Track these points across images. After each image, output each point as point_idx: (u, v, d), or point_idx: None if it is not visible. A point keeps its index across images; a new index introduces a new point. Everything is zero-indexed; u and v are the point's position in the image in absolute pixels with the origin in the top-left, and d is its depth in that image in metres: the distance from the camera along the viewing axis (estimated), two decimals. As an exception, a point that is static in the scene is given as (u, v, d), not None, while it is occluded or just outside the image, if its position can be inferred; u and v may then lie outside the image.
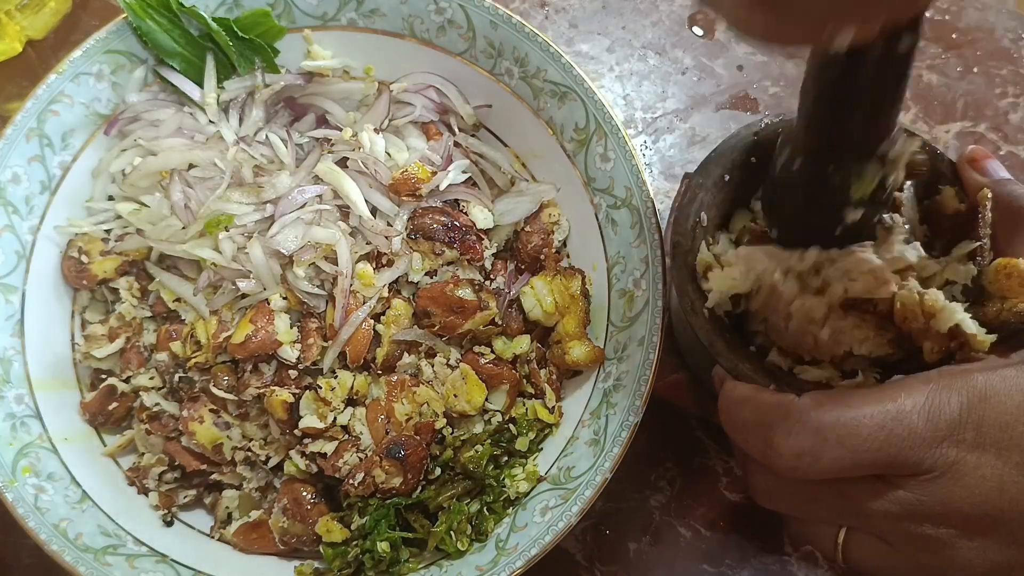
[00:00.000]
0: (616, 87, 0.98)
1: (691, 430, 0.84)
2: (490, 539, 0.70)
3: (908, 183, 0.63)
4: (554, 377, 0.76)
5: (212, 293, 0.73)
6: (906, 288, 0.56)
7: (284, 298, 0.72)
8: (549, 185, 0.80)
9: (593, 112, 0.75)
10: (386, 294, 0.73)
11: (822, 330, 0.59)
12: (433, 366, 0.73)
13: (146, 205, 0.77)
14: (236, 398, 0.72)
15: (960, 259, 0.59)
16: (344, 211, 0.74)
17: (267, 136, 0.78)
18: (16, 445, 0.69)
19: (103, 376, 0.77)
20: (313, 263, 0.72)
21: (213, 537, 0.74)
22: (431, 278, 0.75)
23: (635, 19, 1.01)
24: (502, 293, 0.77)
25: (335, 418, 0.71)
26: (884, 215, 0.60)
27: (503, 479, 0.72)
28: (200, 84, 0.79)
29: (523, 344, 0.75)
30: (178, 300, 0.75)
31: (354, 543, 0.69)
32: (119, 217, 0.77)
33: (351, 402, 0.73)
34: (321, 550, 0.70)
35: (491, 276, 0.78)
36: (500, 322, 0.75)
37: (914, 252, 0.58)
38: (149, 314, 0.77)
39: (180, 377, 0.74)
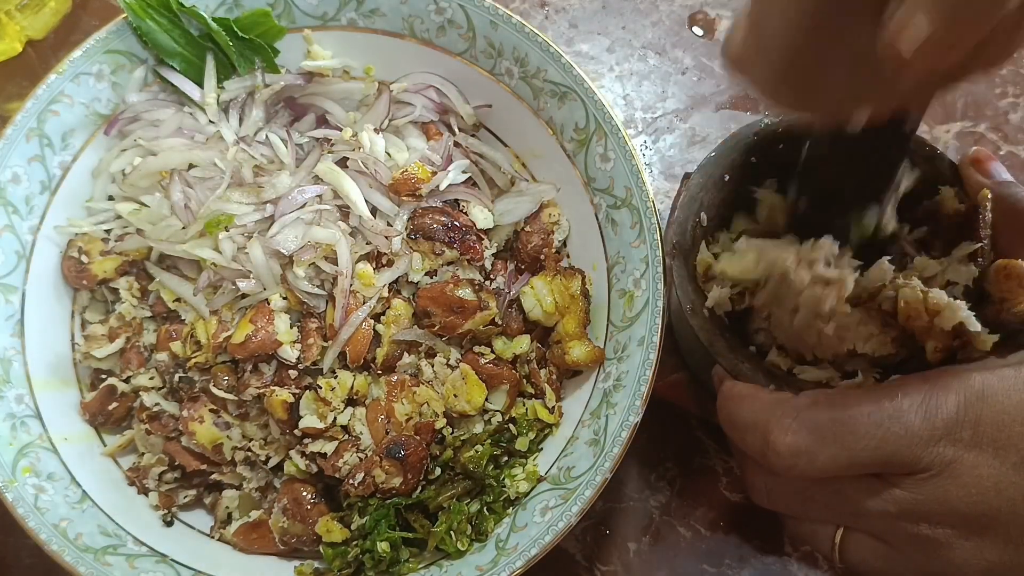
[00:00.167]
0: (616, 87, 0.98)
1: (691, 430, 0.84)
2: (490, 539, 0.70)
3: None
4: (554, 377, 0.76)
5: (212, 293, 0.73)
6: (909, 286, 0.56)
7: (284, 298, 0.72)
8: (549, 185, 0.80)
9: (593, 112, 0.75)
10: (386, 294, 0.73)
11: (828, 325, 0.58)
12: (433, 366, 0.73)
13: (146, 205, 0.77)
14: (236, 398, 0.72)
15: (961, 260, 0.59)
16: (344, 211, 0.74)
17: (267, 136, 0.78)
18: (16, 445, 0.69)
19: (103, 376, 0.77)
20: (313, 263, 0.72)
21: (213, 537, 0.74)
22: (431, 278, 0.75)
23: (635, 19, 1.01)
24: (502, 293, 0.77)
25: (335, 418, 0.71)
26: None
27: (503, 479, 0.72)
28: (200, 84, 0.79)
29: (523, 344, 0.75)
30: (178, 300, 0.75)
31: (354, 543, 0.69)
32: (119, 217, 0.77)
33: (351, 402, 0.73)
34: (321, 550, 0.70)
35: (491, 276, 0.78)
36: (500, 322, 0.75)
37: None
38: (149, 314, 0.77)
39: (180, 377, 0.74)
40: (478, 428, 0.73)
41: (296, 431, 0.70)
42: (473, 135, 0.84)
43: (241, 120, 0.80)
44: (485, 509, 0.71)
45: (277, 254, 0.71)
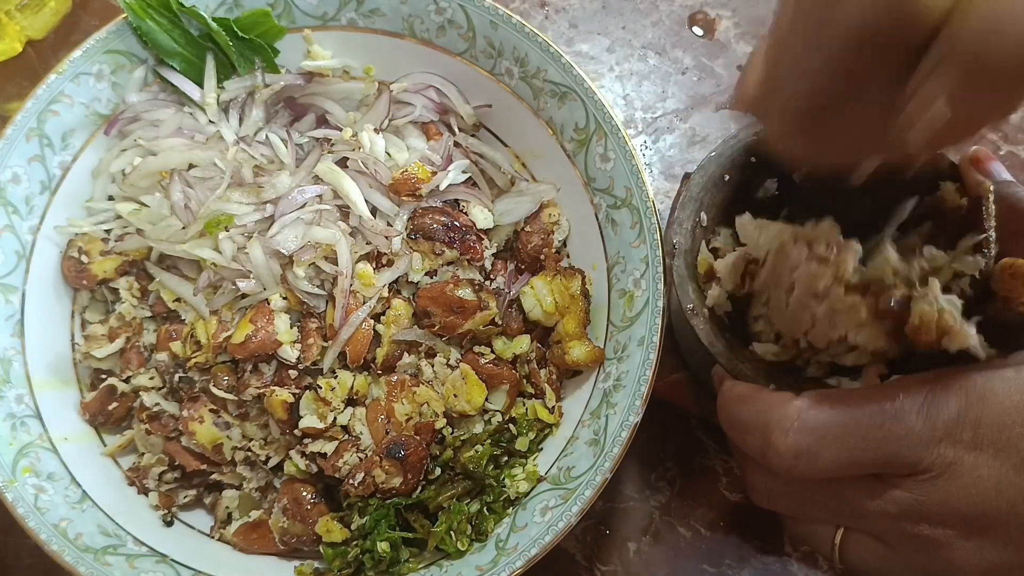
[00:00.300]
0: (616, 87, 0.98)
1: (691, 430, 0.83)
2: (490, 539, 0.70)
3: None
4: (554, 377, 0.76)
5: (212, 293, 0.73)
6: (926, 301, 0.56)
7: (284, 298, 0.72)
8: (549, 185, 0.80)
9: (593, 112, 0.75)
10: (386, 294, 0.73)
11: (820, 306, 0.58)
12: (433, 366, 0.73)
13: (146, 205, 0.77)
14: (236, 398, 0.72)
15: (967, 251, 0.59)
16: (344, 211, 0.74)
17: (267, 136, 0.78)
18: (16, 445, 0.69)
19: (103, 376, 0.77)
20: (313, 263, 0.72)
21: (213, 537, 0.74)
22: (431, 278, 0.75)
23: (635, 19, 1.01)
24: (502, 293, 0.77)
25: (335, 418, 0.71)
26: None
27: (503, 479, 0.72)
28: (200, 84, 0.79)
29: (523, 344, 0.75)
30: (178, 300, 0.75)
31: (354, 543, 0.69)
32: (119, 217, 0.77)
33: (351, 402, 0.73)
34: (321, 550, 0.70)
35: (491, 276, 0.78)
36: (500, 322, 0.75)
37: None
38: (149, 314, 0.77)
39: (180, 377, 0.74)
40: (478, 428, 0.73)
41: (296, 431, 0.70)
42: (473, 135, 0.84)
43: (241, 120, 0.80)
44: (485, 509, 0.71)
45: (277, 254, 0.71)
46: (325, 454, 0.71)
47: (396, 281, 0.74)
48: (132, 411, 0.76)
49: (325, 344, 0.72)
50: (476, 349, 0.75)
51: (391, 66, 0.82)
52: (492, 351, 0.75)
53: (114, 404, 0.75)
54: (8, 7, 0.91)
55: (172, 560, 0.70)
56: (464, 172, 0.78)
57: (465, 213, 0.77)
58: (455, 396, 0.72)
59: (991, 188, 0.58)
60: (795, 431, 0.53)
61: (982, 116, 0.38)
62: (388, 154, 0.78)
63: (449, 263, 0.75)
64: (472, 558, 0.68)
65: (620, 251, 0.74)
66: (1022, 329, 0.54)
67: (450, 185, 0.77)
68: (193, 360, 0.73)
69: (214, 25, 0.77)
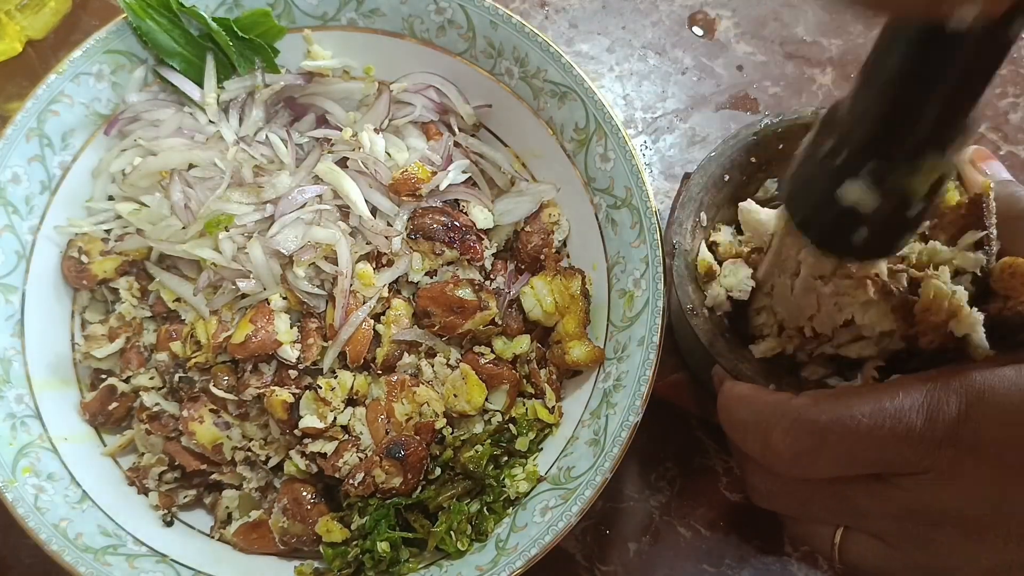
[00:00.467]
0: (616, 87, 0.98)
1: (691, 430, 0.83)
2: (490, 539, 0.70)
3: None
4: (554, 377, 0.76)
5: (212, 293, 0.73)
6: (939, 279, 0.55)
7: (284, 298, 0.72)
8: (549, 185, 0.80)
9: (593, 112, 0.75)
10: (386, 294, 0.73)
11: (827, 286, 0.57)
12: (433, 366, 0.73)
13: (146, 205, 0.77)
14: (236, 398, 0.72)
15: (968, 247, 0.59)
16: (344, 211, 0.74)
17: (267, 136, 0.78)
18: (16, 445, 0.69)
19: (103, 376, 0.77)
20: (313, 263, 0.72)
21: (213, 537, 0.74)
22: (431, 278, 0.75)
23: (635, 19, 1.01)
24: (502, 293, 0.77)
25: (335, 418, 0.71)
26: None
27: (503, 479, 0.72)
28: (200, 84, 0.79)
29: (523, 344, 0.75)
30: (178, 300, 0.75)
31: (354, 543, 0.69)
32: (119, 217, 0.77)
33: (351, 402, 0.73)
34: (321, 550, 0.70)
35: (491, 276, 0.78)
36: (500, 322, 0.75)
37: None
38: (149, 314, 0.77)
39: (180, 377, 0.74)
40: (478, 428, 0.73)
41: (296, 431, 0.70)
42: (473, 135, 0.84)
43: (241, 120, 0.80)
44: (485, 509, 0.71)
45: (277, 254, 0.71)
46: (325, 454, 0.71)
47: (396, 281, 0.74)
48: (132, 411, 0.76)
49: (325, 344, 0.72)
50: (476, 349, 0.75)
51: (391, 66, 0.82)
52: (492, 351, 0.75)
53: (114, 404, 0.75)
54: (8, 7, 0.91)
55: (172, 560, 0.70)
56: (464, 172, 0.78)
57: (465, 213, 0.77)
58: (455, 396, 0.72)
59: (991, 186, 0.58)
60: (795, 431, 0.53)
61: None
62: (388, 154, 0.78)
63: (449, 263, 0.75)
64: (472, 558, 0.68)
65: (620, 251, 0.74)
66: (1022, 328, 0.54)
67: (450, 185, 0.77)
68: (193, 360, 0.73)
69: (214, 25, 0.77)
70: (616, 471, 0.66)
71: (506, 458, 0.73)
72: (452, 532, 0.69)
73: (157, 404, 0.74)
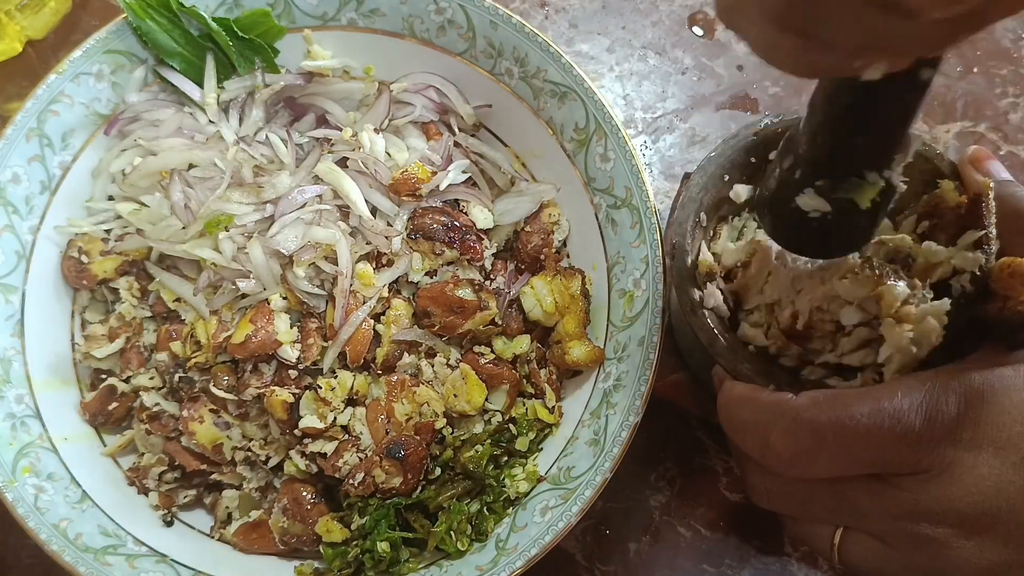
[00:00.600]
0: (616, 87, 0.98)
1: (691, 430, 0.83)
2: (490, 539, 0.70)
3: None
4: (554, 377, 0.76)
5: (212, 293, 0.73)
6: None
7: (284, 298, 0.72)
8: (549, 185, 0.80)
9: (593, 112, 0.75)
10: (386, 294, 0.73)
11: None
12: (433, 366, 0.73)
13: (146, 205, 0.77)
14: (236, 398, 0.72)
15: (967, 247, 0.59)
16: (344, 211, 0.74)
17: (267, 136, 0.78)
18: (16, 445, 0.69)
19: (103, 376, 0.77)
20: (313, 263, 0.72)
21: (213, 537, 0.74)
22: (431, 278, 0.75)
23: (635, 19, 1.01)
24: (502, 293, 0.77)
25: (335, 418, 0.71)
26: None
27: (503, 479, 0.72)
28: (200, 84, 0.79)
29: (523, 344, 0.75)
30: (178, 300, 0.75)
31: (354, 543, 0.69)
32: (119, 217, 0.77)
33: (351, 402, 0.73)
34: (321, 550, 0.70)
35: (491, 276, 0.78)
36: (500, 322, 0.75)
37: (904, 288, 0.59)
38: (149, 314, 0.77)
39: (180, 377, 0.74)
40: (478, 428, 0.73)
41: (296, 431, 0.70)
42: (473, 135, 0.84)
43: (241, 120, 0.80)
44: (485, 509, 0.71)
45: (277, 254, 0.71)
46: (325, 454, 0.71)
47: (396, 281, 0.74)
48: (132, 411, 0.76)
49: (325, 344, 0.72)
50: (476, 349, 0.75)
51: (391, 66, 0.82)
52: (492, 351, 0.75)
53: (114, 404, 0.75)
54: (8, 7, 0.91)
55: (172, 560, 0.70)
56: (464, 172, 0.78)
57: (465, 213, 0.77)
58: (455, 396, 0.72)
59: (991, 185, 0.58)
60: (794, 431, 0.53)
61: None
62: (388, 154, 0.78)
63: (449, 263, 0.75)
64: (472, 558, 0.68)
65: (620, 251, 0.74)
66: (1021, 328, 0.54)
67: (450, 185, 0.77)
68: (193, 360, 0.73)
69: (214, 25, 0.77)
70: (616, 471, 0.66)
71: (506, 458, 0.73)
72: (452, 532, 0.69)
73: (157, 404, 0.74)
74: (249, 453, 0.73)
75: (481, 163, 0.81)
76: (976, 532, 0.50)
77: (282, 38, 0.81)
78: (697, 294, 0.65)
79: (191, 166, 0.77)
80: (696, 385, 0.82)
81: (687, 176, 0.70)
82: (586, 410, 0.73)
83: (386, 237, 0.73)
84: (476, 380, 0.72)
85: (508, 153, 0.84)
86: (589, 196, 0.77)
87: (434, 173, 0.76)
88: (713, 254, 0.68)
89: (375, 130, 0.78)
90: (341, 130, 0.79)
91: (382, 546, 0.68)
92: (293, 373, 0.71)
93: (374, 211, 0.75)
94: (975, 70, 0.98)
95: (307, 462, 0.71)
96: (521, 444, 0.73)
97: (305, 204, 0.73)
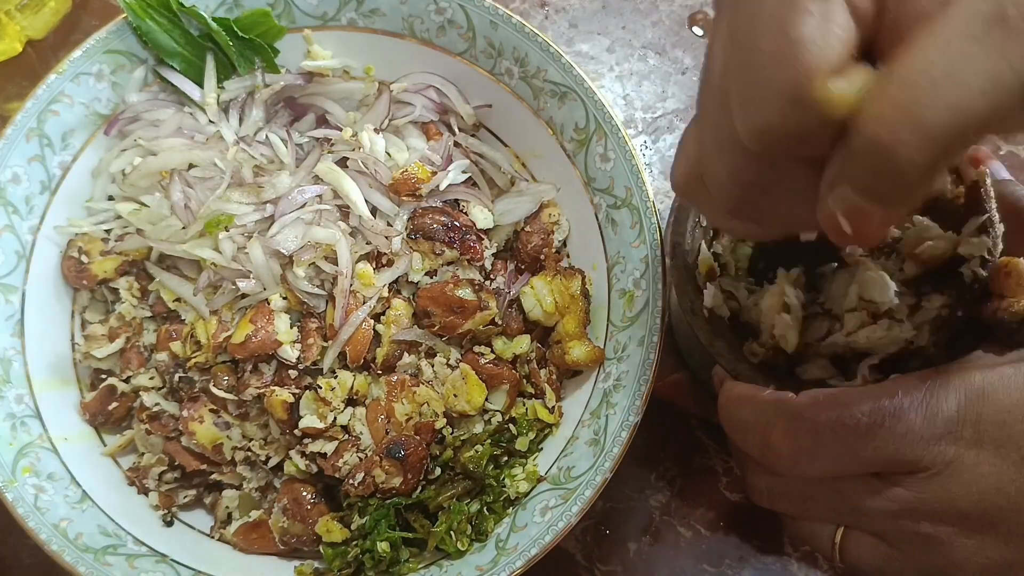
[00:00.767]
0: (616, 87, 0.98)
1: (691, 430, 0.83)
2: (490, 539, 0.70)
3: None
4: (554, 377, 0.76)
5: (212, 293, 0.73)
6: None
7: (284, 298, 0.72)
8: (549, 185, 0.80)
9: (593, 112, 0.75)
10: (386, 294, 0.73)
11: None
12: (433, 366, 0.73)
13: (146, 205, 0.77)
14: (236, 398, 0.72)
15: (972, 234, 0.59)
16: (344, 211, 0.74)
17: (267, 136, 0.78)
18: (16, 445, 0.69)
19: (103, 376, 0.77)
20: (313, 263, 0.72)
21: (213, 537, 0.74)
22: (431, 278, 0.75)
23: (635, 19, 1.01)
24: (502, 293, 0.77)
25: (335, 418, 0.71)
26: None
27: (503, 479, 0.72)
28: (200, 84, 0.79)
29: (523, 344, 0.75)
30: (178, 300, 0.75)
31: (354, 543, 0.69)
32: (119, 217, 0.77)
33: (351, 402, 0.73)
34: (321, 550, 0.70)
35: (491, 276, 0.78)
36: (500, 322, 0.75)
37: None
38: (149, 314, 0.77)
39: (180, 377, 0.74)
40: (478, 428, 0.73)
41: (296, 431, 0.70)
42: (473, 135, 0.84)
43: (241, 120, 0.80)
44: (485, 509, 0.71)
45: (277, 254, 0.71)
46: (325, 454, 0.71)
47: (396, 281, 0.74)
48: (132, 411, 0.76)
49: (325, 344, 0.72)
50: (476, 349, 0.75)
51: (391, 66, 0.82)
52: (492, 351, 0.75)
53: (114, 404, 0.75)
54: (8, 7, 0.91)
55: (172, 560, 0.70)
56: (464, 172, 0.78)
57: (465, 213, 0.77)
58: (455, 396, 0.72)
59: (987, 172, 0.58)
60: (794, 430, 0.53)
61: (891, 207, 0.36)
62: (388, 154, 0.78)
63: (449, 263, 0.75)
64: (472, 558, 0.68)
65: (620, 251, 0.74)
66: (1019, 328, 0.54)
67: (450, 185, 0.77)
68: (193, 360, 0.73)
69: (214, 25, 0.77)
70: (616, 471, 0.66)
71: (506, 458, 0.73)
72: (452, 532, 0.69)
73: (157, 404, 0.74)
74: (249, 453, 0.73)
75: (481, 163, 0.81)
76: (977, 530, 0.50)
77: (282, 38, 0.81)
78: (697, 294, 0.65)
79: (191, 166, 0.77)
80: (696, 385, 0.82)
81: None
82: (586, 410, 0.73)
83: (386, 237, 0.73)
84: (476, 380, 0.71)
85: (508, 153, 0.84)
86: (589, 196, 0.77)
87: (434, 173, 0.76)
88: (714, 254, 0.68)
89: (375, 130, 0.78)
90: (341, 130, 0.79)
91: (382, 546, 0.68)
92: (293, 373, 0.71)
93: (374, 211, 0.75)
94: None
95: (307, 462, 0.71)
96: (521, 444, 0.73)
97: (305, 204, 0.73)
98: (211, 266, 0.72)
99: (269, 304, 0.71)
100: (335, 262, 0.71)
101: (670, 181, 0.49)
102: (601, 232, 0.77)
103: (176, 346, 0.74)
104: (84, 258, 0.75)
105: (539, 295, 0.75)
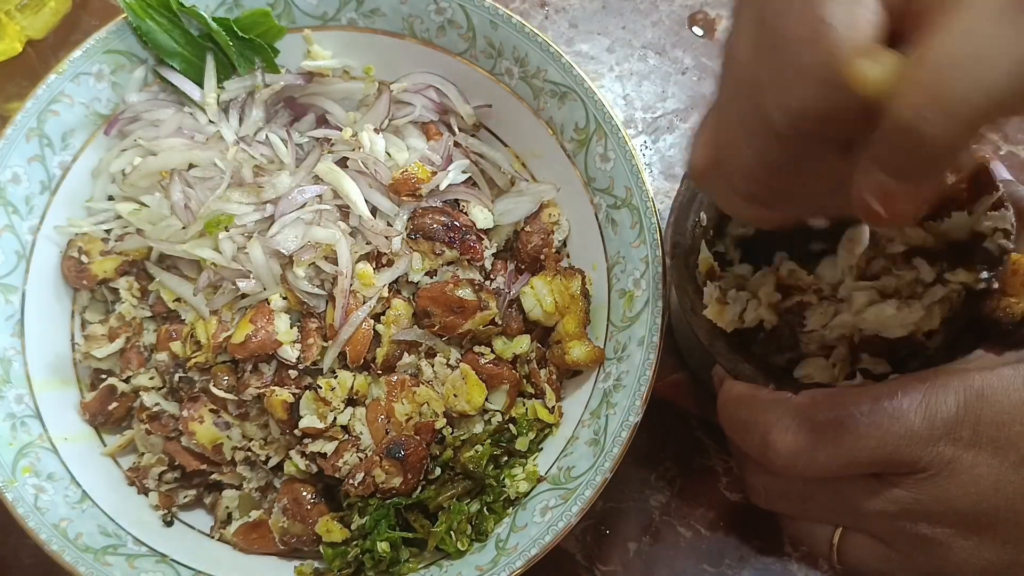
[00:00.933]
0: (616, 87, 0.98)
1: (691, 430, 0.84)
2: (490, 539, 0.70)
3: None
4: (554, 377, 0.76)
5: (212, 293, 0.73)
6: None
7: (284, 298, 0.72)
8: (549, 185, 0.80)
9: (593, 112, 0.75)
10: (386, 294, 0.73)
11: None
12: (433, 366, 0.73)
13: (146, 205, 0.77)
14: (236, 398, 0.72)
15: (986, 211, 0.58)
16: (344, 211, 0.74)
17: (267, 136, 0.78)
18: (16, 445, 0.69)
19: (103, 376, 0.77)
20: (313, 263, 0.72)
21: (213, 537, 0.74)
22: (431, 278, 0.75)
23: (635, 19, 1.01)
24: (502, 293, 0.77)
25: (335, 418, 0.71)
26: None
27: (503, 479, 0.72)
28: (200, 84, 0.79)
29: (523, 344, 0.75)
30: (178, 300, 0.75)
31: (354, 543, 0.69)
32: (119, 217, 0.77)
33: (351, 402, 0.73)
34: (321, 550, 0.70)
35: (491, 276, 0.78)
36: (500, 322, 0.75)
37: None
38: (149, 314, 0.77)
39: (180, 377, 0.74)
40: (478, 428, 0.73)
41: (296, 431, 0.70)
42: (473, 135, 0.84)
43: (241, 120, 0.80)
44: (485, 509, 0.71)
45: (277, 254, 0.71)
46: (325, 454, 0.71)
47: (396, 281, 0.74)
48: (132, 411, 0.76)
49: (325, 344, 0.72)
50: (476, 349, 0.75)
51: (391, 66, 0.82)
52: (492, 351, 0.75)
53: (114, 404, 0.75)
54: (8, 7, 0.91)
55: (172, 560, 0.70)
56: (464, 172, 0.78)
57: (465, 213, 0.77)
58: (455, 396, 0.72)
59: (987, 156, 0.58)
60: (793, 431, 0.53)
61: (921, 189, 0.38)
62: (388, 154, 0.78)
63: (449, 263, 0.75)
64: (472, 558, 0.68)
65: (620, 251, 0.74)
66: (1017, 327, 0.54)
67: (450, 185, 0.77)
68: (193, 360, 0.73)
69: (214, 25, 0.77)
70: (616, 471, 0.66)
71: (506, 458, 0.73)
72: (452, 532, 0.69)
73: (157, 404, 0.74)
74: (249, 453, 0.73)
75: (481, 163, 0.81)
76: (975, 532, 0.50)
77: (282, 38, 0.81)
78: (697, 294, 0.65)
79: (191, 166, 0.77)
80: (696, 385, 0.82)
81: (687, 176, 0.70)
82: (586, 410, 0.73)
83: (386, 237, 0.73)
84: (476, 380, 0.72)
85: (508, 153, 0.84)
86: (589, 196, 0.77)
87: (434, 173, 0.76)
88: (715, 253, 0.68)
89: (375, 130, 0.78)
90: (341, 130, 0.79)
91: (382, 546, 0.68)
92: (293, 373, 0.71)
93: (374, 211, 0.75)
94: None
95: (307, 462, 0.71)
96: (521, 444, 0.73)
97: (305, 204, 0.73)
98: (211, 266, 0.72)
99: (269, 304, 0.71)
100: (335, 262, 0.71)
101: (687, 168, 0.50)
102: (601, 232, 0.77)
103: (176, 346, 0.74)
104: (84, 258, 0.75)
105: (539, 295, 0.75)
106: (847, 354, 0.61)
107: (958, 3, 0.34)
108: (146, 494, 0.74)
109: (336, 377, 0.71)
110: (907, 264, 0.59)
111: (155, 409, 0.74)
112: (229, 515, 0.75)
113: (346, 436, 0.72)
